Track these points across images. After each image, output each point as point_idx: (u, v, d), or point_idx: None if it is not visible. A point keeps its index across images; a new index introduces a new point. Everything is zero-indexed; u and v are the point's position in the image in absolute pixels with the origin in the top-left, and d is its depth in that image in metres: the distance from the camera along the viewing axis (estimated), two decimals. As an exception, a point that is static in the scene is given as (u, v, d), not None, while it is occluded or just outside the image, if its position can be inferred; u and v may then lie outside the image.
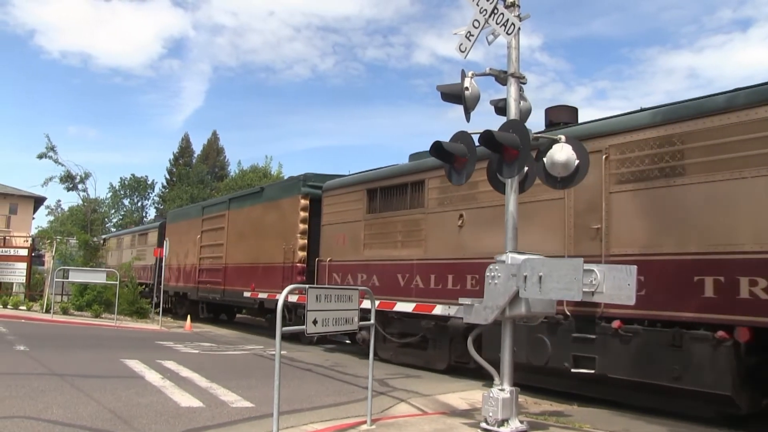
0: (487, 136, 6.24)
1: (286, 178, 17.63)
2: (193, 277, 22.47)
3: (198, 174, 65.16)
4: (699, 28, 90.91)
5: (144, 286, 26.12)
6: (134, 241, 31.30)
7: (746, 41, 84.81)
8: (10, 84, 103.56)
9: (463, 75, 6.75)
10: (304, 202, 16.00)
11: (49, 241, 27.22)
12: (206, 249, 21.64)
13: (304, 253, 15.70)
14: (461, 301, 6.86)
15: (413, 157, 13.18)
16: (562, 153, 6.70)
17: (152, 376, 9.24)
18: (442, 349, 11.30)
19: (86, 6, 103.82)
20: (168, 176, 69.87)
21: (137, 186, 71.44)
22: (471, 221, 10.76)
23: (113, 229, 59.08)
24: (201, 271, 21.79)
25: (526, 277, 5.92)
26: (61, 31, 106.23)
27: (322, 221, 14.79)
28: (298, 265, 15.65)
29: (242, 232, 19.15)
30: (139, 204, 72.46)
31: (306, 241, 15.80)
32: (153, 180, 72.08)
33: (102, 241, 36.28)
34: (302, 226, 15.94)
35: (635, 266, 5.43)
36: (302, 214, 15.96)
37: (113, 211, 70.36)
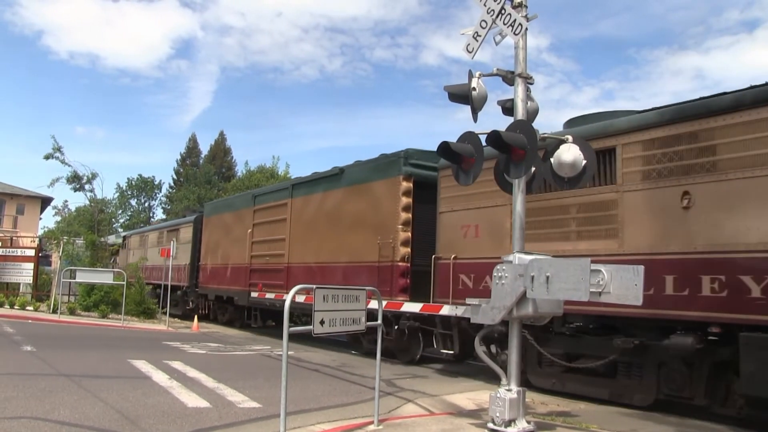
0: (494, 137, 6.22)
1: (377, 156, 13.90)
2: (242, 279, 18.78)
3: (205, 174, 65.31)
4: (706, 29, 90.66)
5: (177, 290, 24.29)
6: (162, 239, 28.05)
7: (753, 42, 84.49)
8: (18, 84, 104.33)
9: (471, 75, 6.74)
10: (406, 185, 12.57)
11: (56, 241, 27.26)
12: (260, 245, 18.07)
13: (407, 250, 12.40)
14: (468, 301, 6.85)
15: (570, 123, 10.19)
16: (569, 153, 6.67)
17: (159, 377, 9.26)
18: (645, 378, 8.34)
19: (94, 6, 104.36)
20: (175, 176, 70.10)
21: (144, 186, 71.62)
22: (704, 200, 7.66)
23: (120, 230, 59.25)
24: (253, 271, 18.23)
25: (533, 277, 5.91)
26: (69, 31, 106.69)
27: (440, 208, 11.59)
28: (399, 264, 12.30)
29: (313, 224, 15.53)
30: (146, 204, 72.71)
31: (409, 233, 12.50)
32: (160, 180, 72.33)
33: (121, 240, 35.12)
34: (404, 216, 12.49)
35: (642, 266, 5.40)
36: (404, 200, 12.56)
37: (120, 211, 70.60)
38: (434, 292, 11.34)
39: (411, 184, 12.59)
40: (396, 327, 12.37)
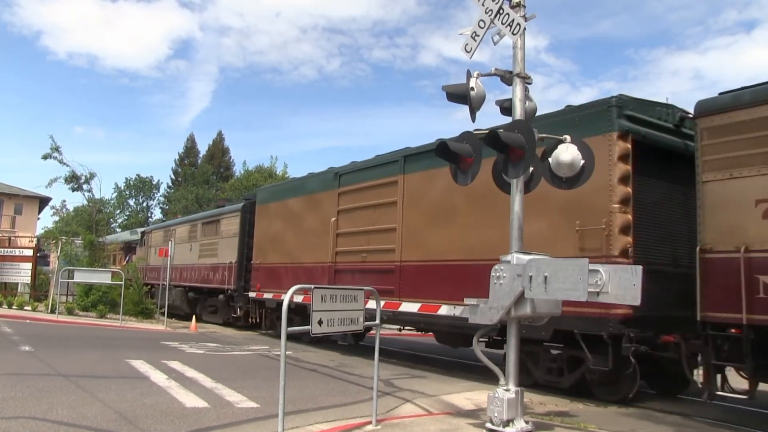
0: (492, 137, 6.22)
1: (574, 106, 9.58)
2: (321, 282, 14.28)
3: (203, 174, 65.33)
4: (704, 30, 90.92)
5: (218, 294, 21.21)
6: (195, 233, 23.73)
7: (751, 42, 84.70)
8: (17, 85, 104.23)
9: (469, 75, 6.73)
10: (623, 145, 8.69)
11: (54, 241, 27.21)
12: (351, 238, 14.04)
13: (628, 240, 8.48)
14: (466, 301, 6.84)
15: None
16: (567, 153, 6.67)
17: (157, 377, 9.25)
18: None
19: (93, 7, 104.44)
20: (173, 176, 70.09)
21: (142, 186, 71.65)
22: None
23: (118, 230, 59.15)
24: (339, 272, 14.26)
25: (531, 277, 5.90)
26: (68, 32, 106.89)
27: (704, 174, 7.76)
28: (618, 259, 8.28)
29: (445, 207, 11.51)
30: (145, 204, 72.71)
31: (629, 216, 8.57)
32: (158, 180, 72.36)
33: (139, 236, 31.91)
34: (622, 190, 8.58)
35: (641, 266, 5.41)
36: (621, 167, 8.63)
37: (118, 211, 70.61)
38: (703, 301, 7.48)
39: (629, 145, 8.73)
40: (609, 354, 8.47)
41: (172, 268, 22.08)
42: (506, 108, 7.03)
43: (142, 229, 31.50)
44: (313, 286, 5.83)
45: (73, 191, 28.63)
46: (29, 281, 25.93)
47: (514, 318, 6.36)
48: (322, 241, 14.83)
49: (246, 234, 19.55)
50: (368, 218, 13.57)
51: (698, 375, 8.12)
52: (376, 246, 13.22)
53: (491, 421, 6.23)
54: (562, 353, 9.37)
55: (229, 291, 20.33)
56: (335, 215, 14.55)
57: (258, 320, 18.23)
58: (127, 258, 32.01)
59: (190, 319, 20.99)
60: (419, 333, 16.62)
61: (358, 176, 14.25)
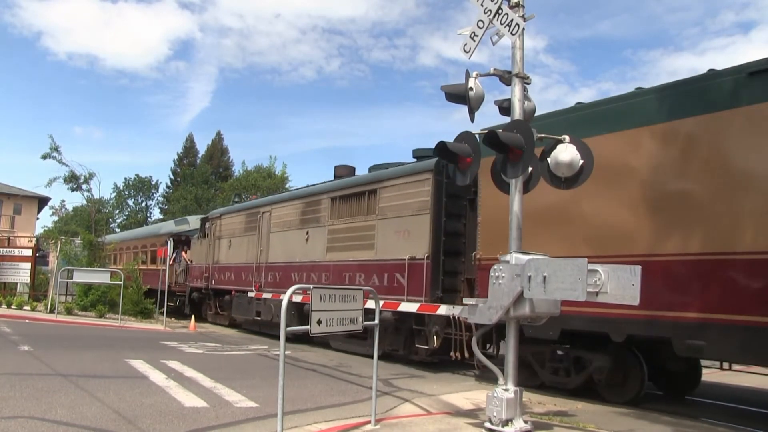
0: (491, 137, 6.23)
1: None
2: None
3: (202, 174, 65.29)
4: (702, 31, 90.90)
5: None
6: (317, 212, 15.35)
7: (748, 43, 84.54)
8: (17, 85, 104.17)
9: (468, 75, 6.74)
10: None
11: (53, 241, 27.16)
12: None
13: None
14: (465, 301, 6.84)
15: None
16: (566, 153, 6.68)
17: (156, 376, 9.25)
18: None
19: (93, 8, 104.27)
20: (172, 176, 70.06)
21: (141, 186, 71.67)
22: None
23: (117, 230, 59.05)
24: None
25: (530, 277, 5.91)
26: (68, 32, 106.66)
27: None
28: None
29: None
30: (144, 204, 72.69)
31: None
32: (157, 180, 72.34)
33: (201, 224, 23.02)
34: None
35: (639, 267, 5.41)
36: None
37: (117, 211, 70.60)
38: None
39: None
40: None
41: (268, 268, 16.49)
42: (505, 108, 7.04)
43: (209, 213, 22.61)
44: (312, 286, 5.83)
45: (72, 191, 28.57)
46: (28, 281, 25.88)
47: (513, 318, 6.36)
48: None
49: (441, 212, 11.89)
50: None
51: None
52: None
53: (490, 421, 6.24)
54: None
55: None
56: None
57: (460, 355, 10.73)
58: (174, 255, 24.12)
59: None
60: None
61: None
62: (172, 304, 24.82)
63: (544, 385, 9.64)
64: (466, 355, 10.45)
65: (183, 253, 24.90)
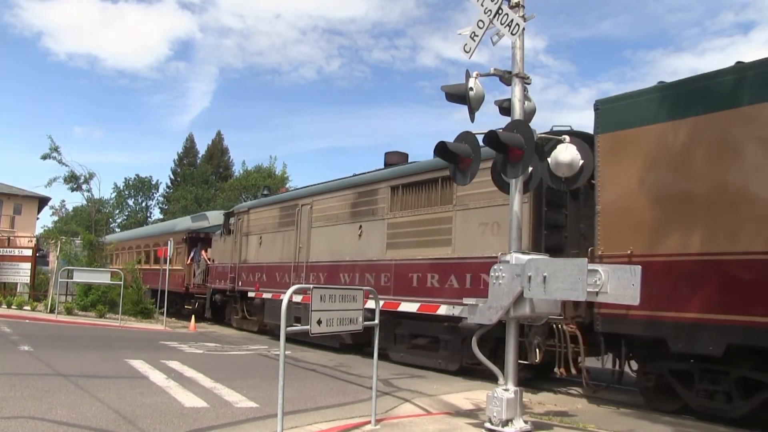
0: (491, 137, 6.22)
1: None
2: None
3: (202, 174, 65.30)
4: (702, 31, 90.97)
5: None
6: (372, 204, 13.27)
7: (748, 44, 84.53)
8: (17, 85, 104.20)
9: (468, 75, 6.74)
10: None
11: (53, 241, 27.14)
12: None
13: None
14: (465, 301, 6.85)
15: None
16: (566, 153, 6.68)
17: (156, 376, 9.25)
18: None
19: (93, 8, 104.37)
20: (172, 176, 70.08)
21: (141, 186, 71.67)
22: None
23: (117, 230, 59.02)
24: None
25: (530, 277, 5.91)
26: (68, 33, 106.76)
27: None
28: None
29: None
30: (144, 204, 72.70)
31: None
32: (157, 180, 72.33)
33: (225, 219, 20.50)
34: None
35: (639, 266, 5.41)
36: None
37: (117, 211, 70.60)
38: None
39: None
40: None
41: (309, 268, 14.81)
42: (505, 108, 7.04)
43: (239, 206, 19.95)
44: (312, 286, 5.83)
45: (72, 191, 28.51)
46: (28, 281, 25.87)
47: (512, 318, 6.36)
48: None
49: (542, 199, 9.82)
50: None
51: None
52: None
53: (490, 421, 6.24)
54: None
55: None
56: None
57: (565, 371, 9.09)
58: (192, 254, 23.01)
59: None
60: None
61: None
62: (190, 307, 23.90)
63: (685, 410, 7.98)
64: (573, 371, 8.93)
65: (203, 252, 22.62)
